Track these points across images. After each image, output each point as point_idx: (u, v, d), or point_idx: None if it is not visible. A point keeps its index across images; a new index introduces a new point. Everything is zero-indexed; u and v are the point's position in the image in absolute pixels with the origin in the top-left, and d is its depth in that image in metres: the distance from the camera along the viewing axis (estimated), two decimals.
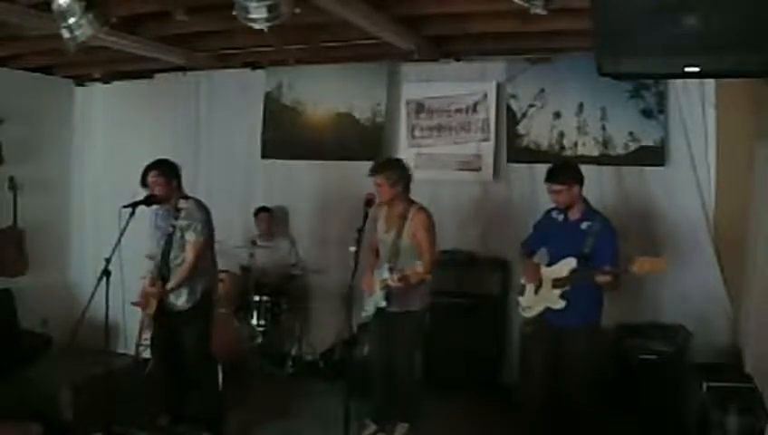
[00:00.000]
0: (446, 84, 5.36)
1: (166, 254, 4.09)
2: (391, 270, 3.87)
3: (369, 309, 4.09)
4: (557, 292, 3.69)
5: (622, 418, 4.15)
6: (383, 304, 3.95)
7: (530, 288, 3.88)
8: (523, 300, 3.94)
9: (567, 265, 3.66)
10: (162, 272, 4.09)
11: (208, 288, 4.23)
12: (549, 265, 3.81)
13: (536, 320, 3.86)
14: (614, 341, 4.45)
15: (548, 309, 3.76)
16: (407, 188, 4.08)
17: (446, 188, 5.35)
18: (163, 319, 4.14)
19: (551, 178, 3.75)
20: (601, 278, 3.48)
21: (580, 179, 3.74)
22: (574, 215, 3.76)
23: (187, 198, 4.16)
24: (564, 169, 3.80)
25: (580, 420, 3.72)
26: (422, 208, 4.07)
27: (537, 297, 3.83)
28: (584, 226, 3.70)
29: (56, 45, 4.12)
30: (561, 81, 4.97)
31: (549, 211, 3.94)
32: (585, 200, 3.80)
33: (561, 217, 3.83)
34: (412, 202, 4.09)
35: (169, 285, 4.04)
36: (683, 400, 4.13)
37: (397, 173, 4.02)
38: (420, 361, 4.23)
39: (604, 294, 3.73)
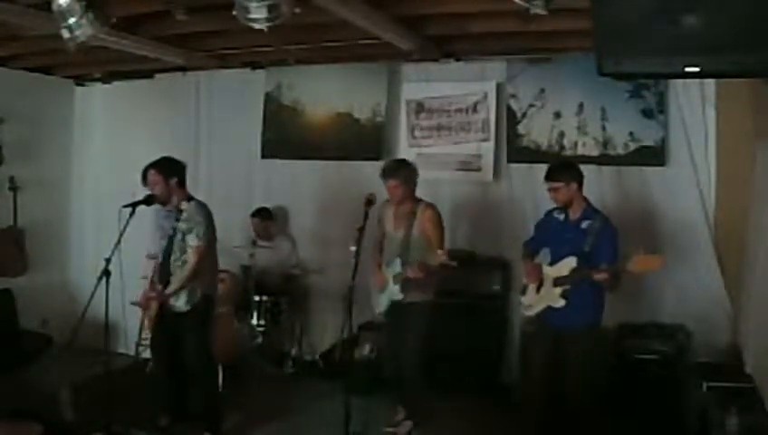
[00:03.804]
0: (446, 84, 5.35)
1: (167, 255, 4.09)
2: (404, 264, 4.07)
3: (382, 304, 4.26)
4: (558, 290, 3.71)
5: (622, 418, 4.15)
6: (399, 296, 4.14)
7: (532, 287, 3.91)
8: (525, 299, 3.97)
9: (568, 265, 3.68)
10: (163, 273, 4.10)
11: (208, 290, 4.22)
12: (551, 264, 3.84)
13: (537, 319, 3.89)
14: (614, 341, 4.44)
15: (549, 308, 3.77)
16: (415, 186, 4.26)
17: (446, 188, 5.34)
18: (163, 320, 4.14)
19: (549, 176, 3.83)
20: (599, 276, 3.49)
21: (577, 177, 3.78)
22: (575, 214, 3.80)
23: (190, 199, 4.14)
24: (562, 168, 3.89)
25: (580, 419, 3.73)
26: (429, 205, 4.25)
27: (539, 296, 3.85)
28: (585, 225, 3.73)
29: (56, 45, 4.12)
30: (561, 81, 4.97)
31: (550, 211, 3.97)
32: (586, 199, 3.83)
33: (562, 217, 3.87)
34: (419, 200, 4.26)
35: (169, 290, 4.03)
36: (683, 399, 4.13)
37: (406, 173, 4.21)
38: (424, 358, 4.27)
39: (605, 295, 3.74)
